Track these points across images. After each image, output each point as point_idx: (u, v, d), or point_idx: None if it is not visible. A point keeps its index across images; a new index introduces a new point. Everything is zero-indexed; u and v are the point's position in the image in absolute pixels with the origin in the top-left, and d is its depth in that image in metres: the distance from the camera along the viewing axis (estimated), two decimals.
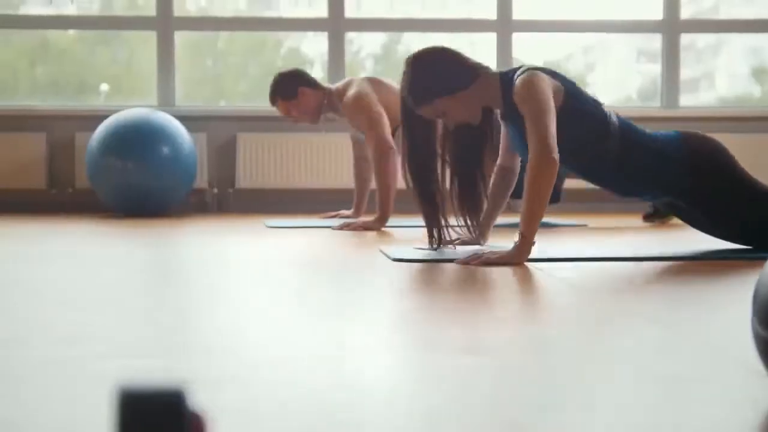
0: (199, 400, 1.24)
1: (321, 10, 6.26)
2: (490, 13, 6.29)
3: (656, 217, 4.72)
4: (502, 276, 2.62)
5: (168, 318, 1.99)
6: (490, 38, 6.29)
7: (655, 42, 6.54)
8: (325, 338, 1.75)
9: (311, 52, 6.12)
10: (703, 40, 7.76)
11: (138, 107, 5.64)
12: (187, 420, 0.70)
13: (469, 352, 1.59)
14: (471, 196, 3.19)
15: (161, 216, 5.32)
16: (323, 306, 2.18)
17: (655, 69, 6.63)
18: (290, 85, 4.80)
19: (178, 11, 6.20)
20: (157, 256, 3.38)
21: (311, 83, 4.83)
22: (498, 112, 3.14)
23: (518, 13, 6.27)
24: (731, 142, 3.43)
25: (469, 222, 3.21)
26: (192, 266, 3.14)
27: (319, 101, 4.82)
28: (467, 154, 3.16)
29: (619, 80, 6.42)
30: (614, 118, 3.06)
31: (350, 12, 6.23)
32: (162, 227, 4.55)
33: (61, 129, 5.96)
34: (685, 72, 6.53)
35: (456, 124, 3.09)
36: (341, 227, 4.40)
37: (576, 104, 3.00)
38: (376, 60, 6.89)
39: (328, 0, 6.17)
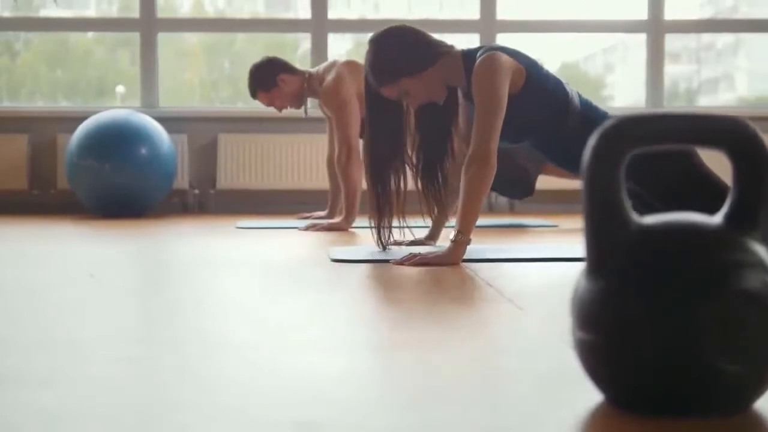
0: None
1: (344, 12, 6.26)
2: (474, 14, 6.28)
3: None
4: (427, 276, 2.61)
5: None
6: (474, 39, 6.28)
7: (675, 42, 6.46)
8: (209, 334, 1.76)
9: (331, 53, 6.11)
10: (721, 40, 7.68)
11: (118, 108, 5.67)
12: None
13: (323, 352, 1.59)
14: (435, 177, 3.18)
15: (142, 217, 5.33)
16: (232, 306, 2.19)
17: (677, 70, 6.56)
18: (268, 75, 4.73)
19: (161, 13, 6.23)
20: (103, 257, 3.39)
21: (289, 69, 4.76)
22: (461, 91, 3.12)
23: (502, 13, 6.26)
24: None
25: (431, 204, 3.20)
26: (136, 269, 3.15)
27: (299, 86, 4.75)
28: (434, 134, 3.16)
29: (639, 81, 6.31)
30: (575, 98, 3.06)
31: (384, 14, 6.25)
32: (135, 228, 4.55)
33: (43, 130, 5.98)
34: (705, 72, 6.48)
35: (420, 104, 3.09)
36: (307, 228, 4.40)
37: (537, 84, 3.00)
38: None
39: (311, 2, 6.19)
